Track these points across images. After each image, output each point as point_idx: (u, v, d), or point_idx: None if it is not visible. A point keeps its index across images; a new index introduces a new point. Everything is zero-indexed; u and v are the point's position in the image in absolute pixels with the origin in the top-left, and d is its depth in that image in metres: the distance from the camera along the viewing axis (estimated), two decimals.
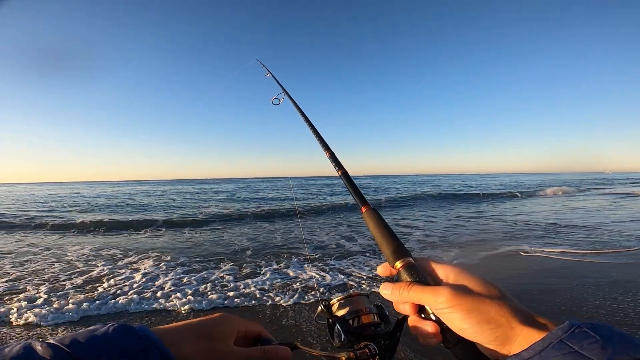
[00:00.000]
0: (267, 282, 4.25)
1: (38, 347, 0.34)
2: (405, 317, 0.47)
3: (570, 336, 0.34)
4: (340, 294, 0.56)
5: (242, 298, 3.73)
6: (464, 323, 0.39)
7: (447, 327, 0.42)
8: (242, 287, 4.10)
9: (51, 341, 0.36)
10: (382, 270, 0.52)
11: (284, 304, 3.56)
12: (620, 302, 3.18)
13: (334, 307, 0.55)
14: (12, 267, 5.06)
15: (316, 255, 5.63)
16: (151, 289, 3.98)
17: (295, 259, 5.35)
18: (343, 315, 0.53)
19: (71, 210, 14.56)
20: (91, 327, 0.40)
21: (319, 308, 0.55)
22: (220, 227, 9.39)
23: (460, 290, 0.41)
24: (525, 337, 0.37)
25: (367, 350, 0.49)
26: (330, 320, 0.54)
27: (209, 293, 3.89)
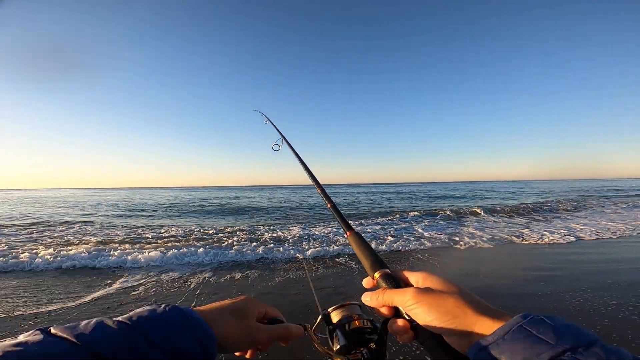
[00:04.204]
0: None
1: (109, 322, 0.39)
2: (387, 320, 0.53)
3: (528, 322, 0.38)
4: (336, 304, 0.61)
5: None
6: (428, 316, 0.46)
7: (417, 323, 0.48)
8: None
9: (119, 318, 0.41)
10: (366, 282, 0.60)
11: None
12: None
13: (332, 315, 0.60)
14: None
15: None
16: None
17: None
18: (339, 320, 0.57)
19: None
20: (147, 307, 0.45)
21: (319, 318, 0.60)
22: None
23: (423, 289, 0.49)
24: (483, 326, 0.42)
25: (360, 356, 0.53)
26: (330, 327, 0.58)
27: None
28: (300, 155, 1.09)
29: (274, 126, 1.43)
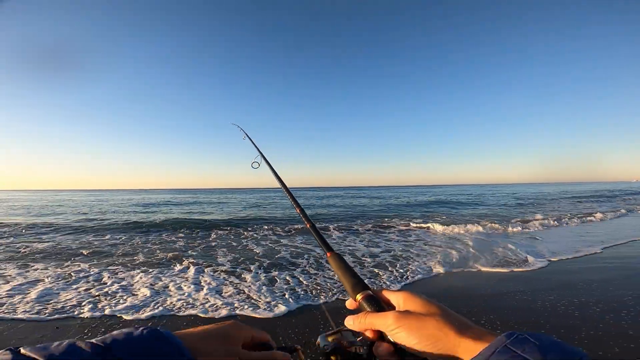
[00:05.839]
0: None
1: (81, 344, 0.37)
2: (372, 343, 0.52)
3: (513, 342, 0.38)
4: (331, 329, 0.59)
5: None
6: (410, 340, 0.45)
7: (401, 347, 0.48)
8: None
9: (93, 340, 0.38)
10: (349, 304, 0.59)
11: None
12: None
13: (328, 338, 0.58)
14: None
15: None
16: None
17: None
18: (335, 346, 0.56)
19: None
20: (125, 330, 0.43)
21: (317, 341, 0.58)
22: None
23: (404, 312, 0.49)
24: (466, 347, 0.42)
25: None
26: (326, 351, 0.56)
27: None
28: (279, 175, 1.08)
29: (253, 143, 1.43)
